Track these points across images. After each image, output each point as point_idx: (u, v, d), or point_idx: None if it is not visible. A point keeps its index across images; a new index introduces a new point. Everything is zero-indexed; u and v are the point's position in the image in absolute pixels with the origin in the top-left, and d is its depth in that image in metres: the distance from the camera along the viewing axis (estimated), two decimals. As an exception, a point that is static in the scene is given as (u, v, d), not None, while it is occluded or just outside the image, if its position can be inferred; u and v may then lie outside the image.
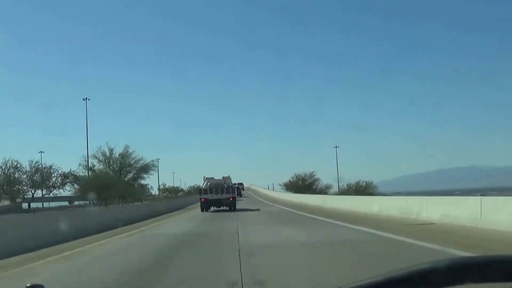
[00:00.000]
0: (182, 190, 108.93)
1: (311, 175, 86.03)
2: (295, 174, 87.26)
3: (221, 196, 36.52)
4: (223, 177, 39.46)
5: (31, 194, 59.91)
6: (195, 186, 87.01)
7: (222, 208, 37.35)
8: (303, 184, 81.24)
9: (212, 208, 36.87)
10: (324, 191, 78.68)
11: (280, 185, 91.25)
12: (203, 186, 38.69)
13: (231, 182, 39.01)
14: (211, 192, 36.67)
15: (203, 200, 36.84)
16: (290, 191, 77.09)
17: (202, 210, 37.10)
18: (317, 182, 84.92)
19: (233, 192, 37.11)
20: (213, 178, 39.50)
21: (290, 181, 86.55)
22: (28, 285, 1.86)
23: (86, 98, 58.97)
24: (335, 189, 78.11)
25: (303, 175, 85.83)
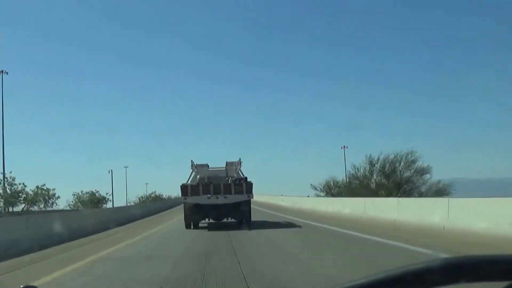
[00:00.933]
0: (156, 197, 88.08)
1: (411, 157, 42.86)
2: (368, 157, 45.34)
3: (220, 200, 19.19)
4: (227, 164, 21.91)
5: None
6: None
7: (225, 220, 20.38)
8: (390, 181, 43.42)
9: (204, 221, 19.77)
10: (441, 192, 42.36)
11: (317, 188, 55.54)
12: (190, 179, 21.10)
13: (241, 172, 21.45)
14: (201, 190, 19.32)
15: (189, 207, 19.42)
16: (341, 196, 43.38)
17: (187, 226, 19.72)
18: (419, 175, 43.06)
19: (246, 191, 19.57)
20: (207, 165, 21.90)
21: (352, 177, 47.99)
22: (21, 286, 1.78)
23: None
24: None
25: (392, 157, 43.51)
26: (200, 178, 21.08)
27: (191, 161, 21.38)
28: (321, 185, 54.87)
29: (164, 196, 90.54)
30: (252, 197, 19.80)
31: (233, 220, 20.54)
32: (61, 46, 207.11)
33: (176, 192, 79.27)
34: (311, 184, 54.74)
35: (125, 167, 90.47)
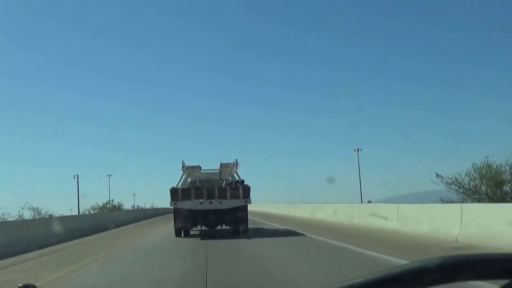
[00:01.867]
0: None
1: None
2: None
3: (219, 205, 17.45)
4: (221, 165, 20.05)
5: None
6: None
7: (219, 227, 18.64)
8: None
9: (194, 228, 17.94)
10: None
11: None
12: (181, 182, 19.24)
13: (237, 175, 19.62)
14: (190, 195, 17.51)
15: (180, 213, 17.62)
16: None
17: (177, 234, 17.87)
18: None
19: (243, 196, 17.79)
20: (199, 167, 20.03)
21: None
22: (20, 285, 1.79)
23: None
24: None
25: None
26: (191, 181, 19.24)
27: (182, 162, 19.50)
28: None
29: (137, 206, 74.70)
30: (250, 202, 18.00)
31: (228, 227, 18.73)
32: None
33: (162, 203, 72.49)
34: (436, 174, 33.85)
35: (108, 175, 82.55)
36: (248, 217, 18.66)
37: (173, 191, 17.72)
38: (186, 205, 17.37)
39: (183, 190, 17.84)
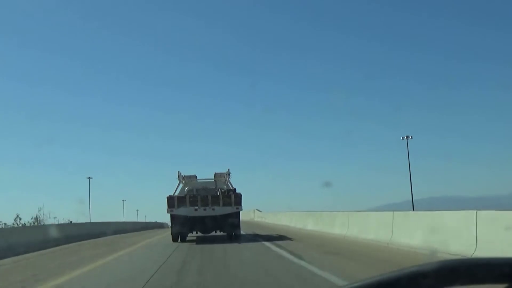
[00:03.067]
0: None
1: None
2: None
3: (207, 212, 18.61)
4: (215, 175, 21.28)
5: None
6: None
7: (213, 233, 19.77)
8: None
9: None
10: None
11: None
12: (178, 191, 20.48)
13: (230, 184, 20.84)
14: (186, 203, 18.71)
15: (176, 219, 18.84)
16: None
17: (174, 239, 19.07)
18: None
19: (235, 203, 19.00)
20: (195, 176, 21.28)
21: None
22: None
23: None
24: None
25: None
26: (188, 190, 20.48)
27: (178, 172, 20.76)
28: None
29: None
30: (241, 209, 19.21)
31: (221, 233, 19.93)
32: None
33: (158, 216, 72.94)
34: None
35: (88, 177, 76.67)
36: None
37: (169, 199, 18.98)
38: (181, 211, 18.60)
39: (178, 198, 19.09)
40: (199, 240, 19.52)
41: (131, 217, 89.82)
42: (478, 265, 1.06)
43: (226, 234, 19.49)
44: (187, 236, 19.81)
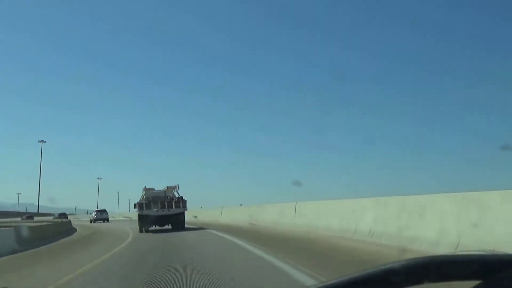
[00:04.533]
0: None
1: None
2: None
3: (164, 212, 28.33)
4: (167, 187, 31.17)
5: None
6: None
7: (166, 227, 29.34)
8: None
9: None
10: None
11: None
12: (141, 199, 30.17)
13: (178, 193, 30.80)
14: (150, 206, 28.37)
15: (142, 217, 28.44)
16: None
17: (140, 231, 28.68)
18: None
19: (182, 206, 28.93)
20: (153, 189, 31.08)
21: None
22: None
23: None
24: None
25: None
26: (146, 198, 30.16)
27: (145, 186, 30.60)
28: None
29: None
30: (186, 210, 29.16)
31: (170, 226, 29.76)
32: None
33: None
34: None
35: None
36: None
37: (139, 204, 28.62)
38: (146, 212, 28.25)
39: (145, 203, 28.77)
40: (158, 231, 29.16)
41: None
42: (447, 262, 1.09)
43: (174, 226, 29.30)
44: (149, 228, 29.43)
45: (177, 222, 28.81)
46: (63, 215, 72.17)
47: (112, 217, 68.29)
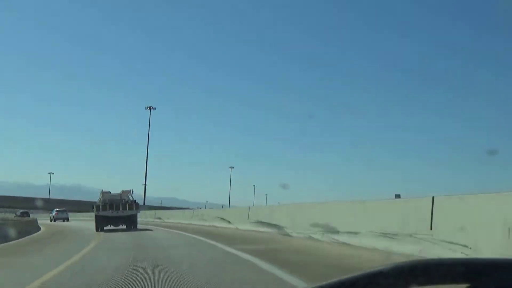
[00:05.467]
0: None
1: None
2: None
3: (118, 213, 31.81)
4: (122, 191, 34.67)
5: None
6: None
7: (120, 227, 32.71)
8: None
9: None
10: None
11: None
12: (98, 201, 33.58)
13: (132, 197, 34.34)
14: (106, 208, 31.81)
15: (99, 217, 31.84)
16: None
17: (97, 229, 31.98)
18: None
19: (135, 208, 32.55)
20: (109, 192, 34.50)
21: None
22: None
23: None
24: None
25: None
26: (103, 200, 33.52)
27: (102, 190, 33.93)
28: None
29: None
30: (139, 212, 32.74)
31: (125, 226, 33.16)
32: None
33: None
34: None
35: None
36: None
37: (96, 205, 31.95)
38: (103, 213, 31.58)
39: (102, 205, 32.10)
40: (113, 230, 32.49)
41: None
42: (435, 265, 1.09)
43: (127, 226, 32.74)
44: (104, 227, 32.74)
45: (130, 222, 32.30)
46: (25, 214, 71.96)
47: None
